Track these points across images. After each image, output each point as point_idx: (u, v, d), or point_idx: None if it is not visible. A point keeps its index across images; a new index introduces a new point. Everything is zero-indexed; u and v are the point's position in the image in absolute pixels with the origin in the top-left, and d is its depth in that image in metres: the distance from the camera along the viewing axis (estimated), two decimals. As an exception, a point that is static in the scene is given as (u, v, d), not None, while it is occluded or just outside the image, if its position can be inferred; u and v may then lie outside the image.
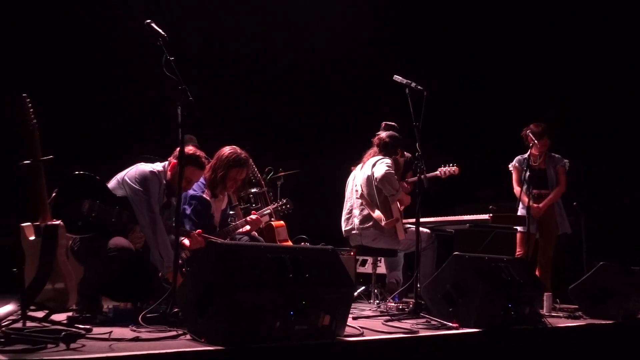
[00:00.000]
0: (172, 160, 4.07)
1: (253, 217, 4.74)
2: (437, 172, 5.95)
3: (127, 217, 3.80)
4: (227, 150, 4.55)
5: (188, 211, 4.50)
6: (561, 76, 8.52)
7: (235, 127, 7.37)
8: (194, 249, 4.17)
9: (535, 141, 5.94)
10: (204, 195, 4.57)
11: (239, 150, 4.55)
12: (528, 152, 6.03)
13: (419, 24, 8.75)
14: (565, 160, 6.24)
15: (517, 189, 6.27)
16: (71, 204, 3.61)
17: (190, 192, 4.50)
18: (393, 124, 5.86)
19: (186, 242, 4.18)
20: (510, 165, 6.39)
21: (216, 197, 4.60)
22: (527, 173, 6.05)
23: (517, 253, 6.14)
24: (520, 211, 6.23)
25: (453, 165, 5.93)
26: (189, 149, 4.01)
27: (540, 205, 6.07)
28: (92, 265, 3.70)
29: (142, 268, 3.85)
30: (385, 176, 5.17)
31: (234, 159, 4.47)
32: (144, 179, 3.86)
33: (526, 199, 5.87)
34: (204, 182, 4.59)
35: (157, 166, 4.03)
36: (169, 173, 4.05)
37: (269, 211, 5.10)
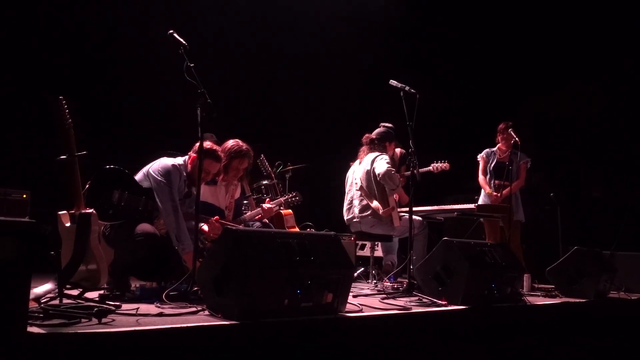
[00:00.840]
0: (192, 154, 4.06)
1: (267, 206, 4.74)
2: (430, 168, 5.93)
3: (152, 206, 3.80)
4: (230, 143, 4.52)
5: None
6: (543, 80, 8.49)
7: (249, 126, 7.35)
8: (212, 234, 4.16)
9: (500, 137, 6.17)
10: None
11: (240, 142, 4.51)
12: (496, 146, 6.22)
13: (414, 34, 8.72)
14: (528, 158, 6.20)
15: (481, 177, 6.34)
16: (103, 194, 3.61)
17: None
18: (389, 125, 5.83)
19: (205, 228, 4.17)
20: (478, 156, 6.40)
21: (215, 183, 4.54)
22: (492, 164, 6.19)
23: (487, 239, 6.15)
24: (482, 199, 6.24)
25: (444, 162, 5.91)
26: (206, 144, 4.00)
27: (499, 194, 6.05)
28: (122, 248, 3.70)
29: (166, 251, 3.85)
30: (387, 173, 5.15)
31: (235, 151, 4.44)
32: (167, 172, 3.85)
33: (487, 187, 6.15)
34: None
35: (179, 160, 4.02)
36: (189, 166, 4.04)
37: (280, 202, 5.10)
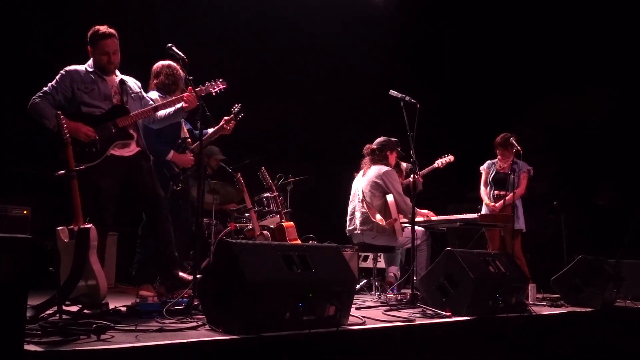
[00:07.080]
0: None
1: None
2: (435, 165, 5.88)
3: None
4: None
5: None
6: (544, 88, 8.49)
7: (250, 138, 7.34)
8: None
9: (498, 150, 6.17)
10: None
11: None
12: (497, 158, 6.24)
13: (417, 46, 8.71)
14: (529, 167, 6.13)
15: (482, 189, 6.35)
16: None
17: None
18: (393, 139, 5.78)
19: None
20: (480, 168, 6.41)
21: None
22: (492, 175, 6.20)
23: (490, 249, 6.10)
24: (484, 210, 6.20)
25: (448, 155, 5.86)
26: None
27: (497, 205, 6.02)
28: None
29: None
30: (388, 172, 5.26)
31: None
32: None
33: (485, 198, 6.17)
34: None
35: None
36: None
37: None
